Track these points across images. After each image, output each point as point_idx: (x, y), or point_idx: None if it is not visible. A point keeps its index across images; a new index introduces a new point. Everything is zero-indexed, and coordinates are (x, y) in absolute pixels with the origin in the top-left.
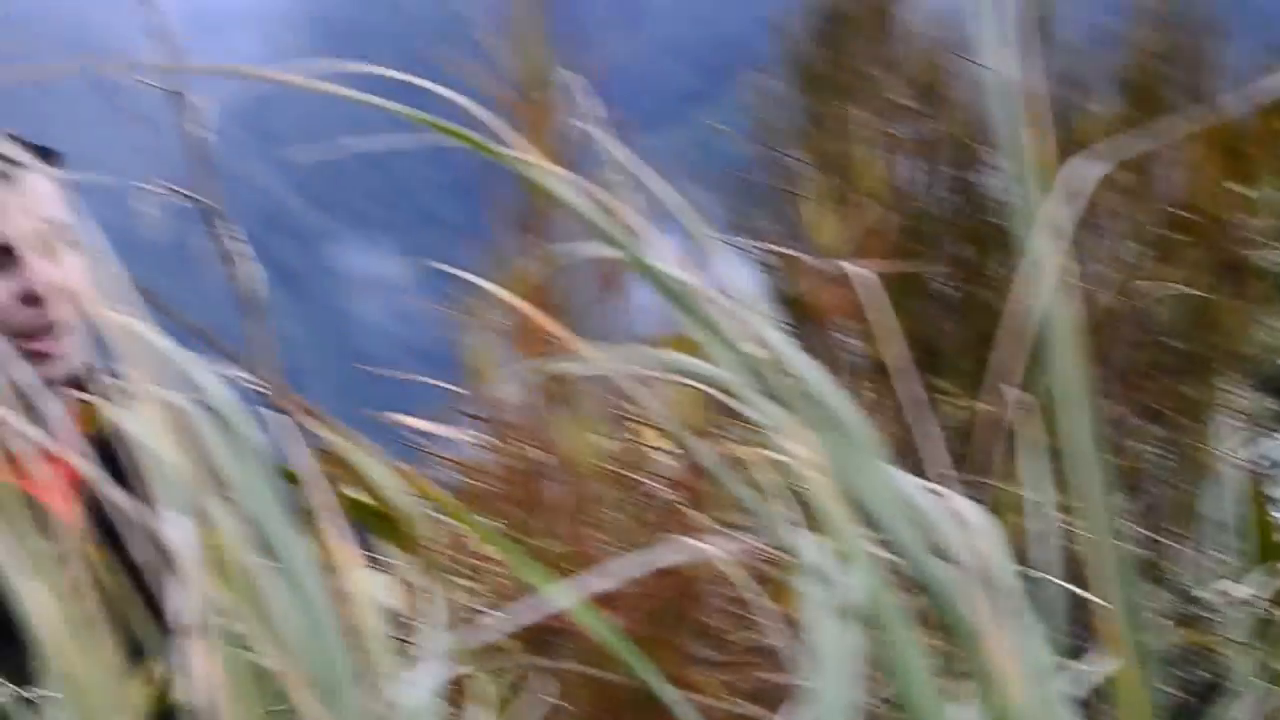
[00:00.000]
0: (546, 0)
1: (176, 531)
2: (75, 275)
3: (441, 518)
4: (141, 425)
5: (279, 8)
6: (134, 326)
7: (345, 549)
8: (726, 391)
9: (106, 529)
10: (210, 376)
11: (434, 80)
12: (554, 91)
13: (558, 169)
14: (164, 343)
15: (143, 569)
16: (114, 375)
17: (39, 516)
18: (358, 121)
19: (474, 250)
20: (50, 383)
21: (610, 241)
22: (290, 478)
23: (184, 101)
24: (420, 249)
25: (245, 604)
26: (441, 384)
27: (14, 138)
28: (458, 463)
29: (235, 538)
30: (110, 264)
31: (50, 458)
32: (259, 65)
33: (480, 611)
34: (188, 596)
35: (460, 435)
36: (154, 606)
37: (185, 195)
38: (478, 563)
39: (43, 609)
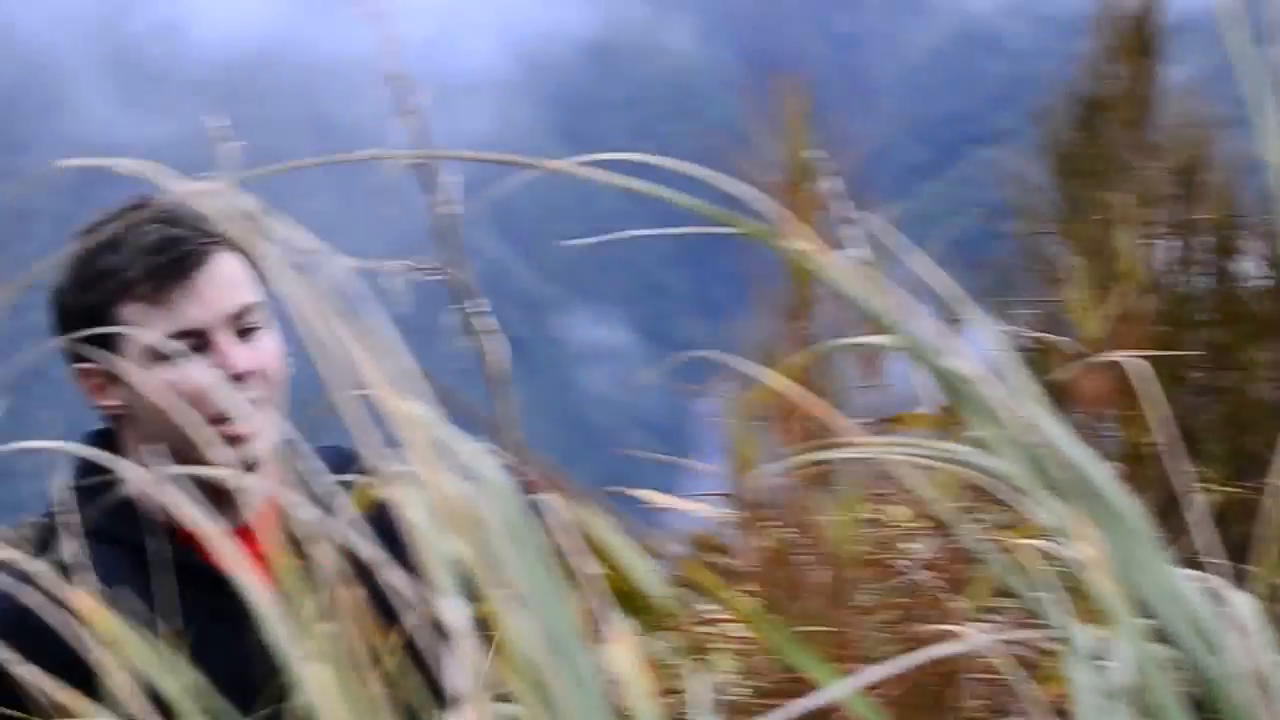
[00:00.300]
0: (800, 77)
1: (452, 611)
2: (269, 355)
3: (681, 593)
4: (416, 505)
5: (510, 78)
6: (412, 409)
7: (613, 626)
8: (992, 475)
9: (383, 608)
10: (479, 454)
11: (670, 155)
12: (808, 168)
13: (823, 250)
14: (435, 421)
15: (420, 649)
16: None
17: (321, 598)
18: (587, 193)
19: (700, 320)
20: (249, 465)
21: (882, 325)
22: (555, 554)
23: (430, 178)
24: (645, 319)
25: (522, 682)
26: (669, 457)
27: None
28: (695, 539)
29: (510, 618)
30: (393, 345)
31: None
32: (490, 135)
33: (728, 690)
34: (464, 675)
35: (696, 509)
36: (432, 685)
37: (431, 269)
38: (715, 638)
39: (324, 689)
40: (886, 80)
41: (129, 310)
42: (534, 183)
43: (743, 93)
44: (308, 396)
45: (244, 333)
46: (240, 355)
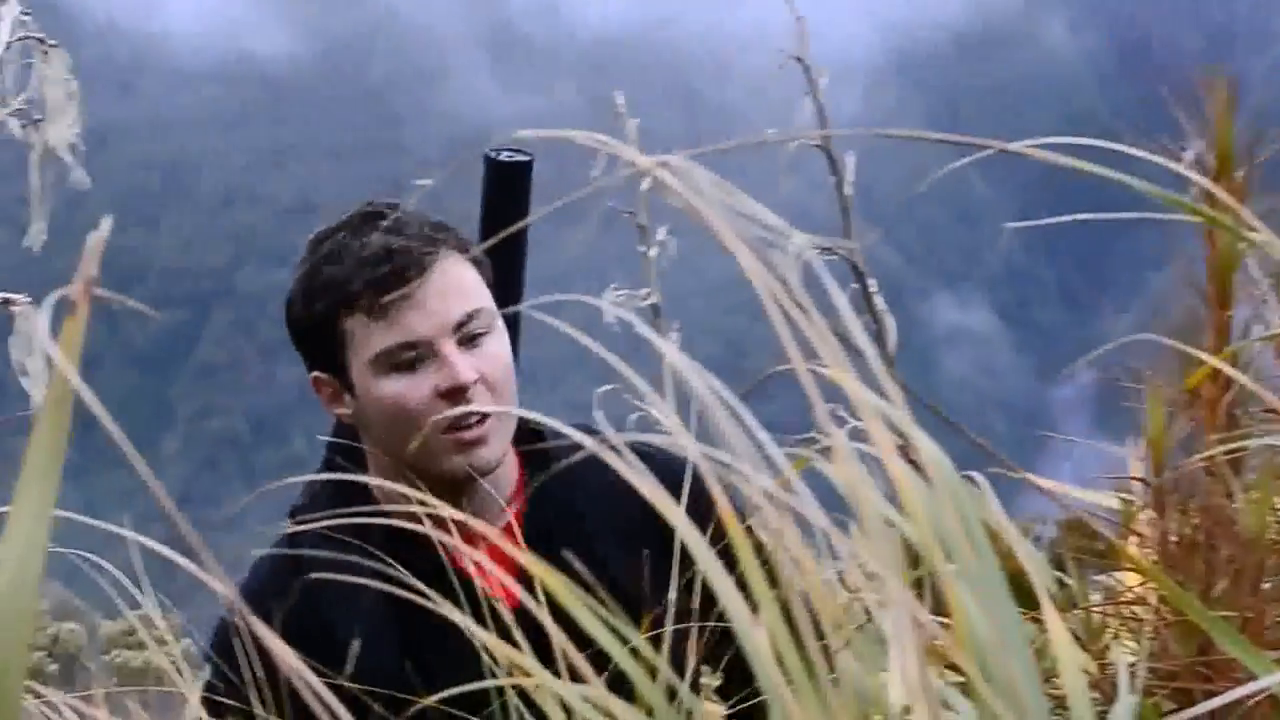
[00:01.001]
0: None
1: (898, 587)
2: (494, 361)
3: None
4: (866, 483)
5: (879, 64)
6: (862, 387)
7: (1051, 613)
8: None
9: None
10: (921, 434)
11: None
12: (1230, 157)
13: (1269, 235)
14: (883, 400)
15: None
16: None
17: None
18: (952, 178)
19: (1060, 306)
20: (480, 471)
21: None
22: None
23: (832, 159)
24: (1006, 304)
25: (968, 656)
26: (1048, 433)
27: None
28: (1069, 523)
29: (959, 593)
30: (849, 323)
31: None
32: (857, 119)
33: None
34: (908, 648)
35: (1078, 493)
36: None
37: (830, 250)
38: (1109, 618)
39: (765, 652)
40: (1256, 73)
41: (352, 323)
42: (901, 166)
43: (1139, 79)
44: (749, 366)
45: (470, 339)
46: (464, 365)
